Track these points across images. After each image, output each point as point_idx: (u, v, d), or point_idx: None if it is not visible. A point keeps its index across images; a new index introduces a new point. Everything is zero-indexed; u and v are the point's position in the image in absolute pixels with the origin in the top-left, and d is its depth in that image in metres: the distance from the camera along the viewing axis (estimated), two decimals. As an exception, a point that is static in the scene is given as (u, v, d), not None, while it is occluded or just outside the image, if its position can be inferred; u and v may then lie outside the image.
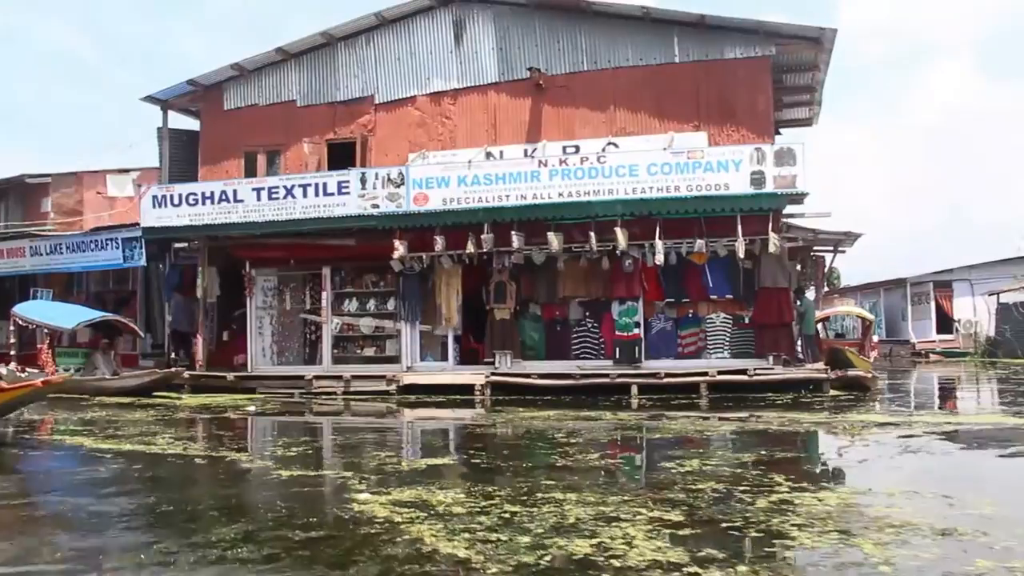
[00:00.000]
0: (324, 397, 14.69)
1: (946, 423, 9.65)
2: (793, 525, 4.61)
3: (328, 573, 3.99)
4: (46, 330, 15.39)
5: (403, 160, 16.22)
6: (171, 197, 16.09)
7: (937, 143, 74.15)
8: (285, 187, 15.49)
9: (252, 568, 4.04)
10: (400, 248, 14.65)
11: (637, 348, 14.57)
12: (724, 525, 4.69)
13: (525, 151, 15.80)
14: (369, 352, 16.03)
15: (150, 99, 18.31)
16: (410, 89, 17.10)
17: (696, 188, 13.99)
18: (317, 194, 15.31)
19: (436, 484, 6.12)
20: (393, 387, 14.72)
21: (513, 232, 14.31)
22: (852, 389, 14.18)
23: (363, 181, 15.18)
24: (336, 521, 5.06)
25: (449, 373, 14.93)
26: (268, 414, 12.52)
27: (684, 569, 3.83)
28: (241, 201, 15.66)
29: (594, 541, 4.32)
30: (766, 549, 4.20)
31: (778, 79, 16.37)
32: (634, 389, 13.81)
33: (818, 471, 7.01)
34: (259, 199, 15.56)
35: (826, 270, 19.08)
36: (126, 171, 23.68)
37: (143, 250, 16.72)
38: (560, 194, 14.34)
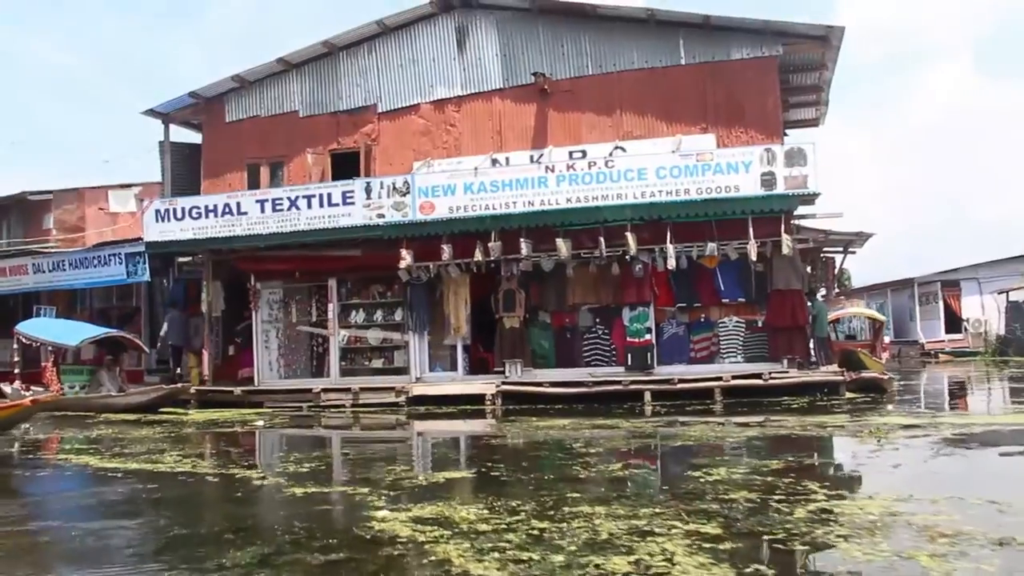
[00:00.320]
0: (333, 410, 14.46)
1: (974, 424, 9.41)
2: (839, 536, 4.39)
3: (353, 600, 3.77)
4: (50, 348, 15.23)
5: (408, 169, 16.04)
6: (174, 211, 15.92)
7: (935, 142, 74.07)
8: (289, 198, 15.31)
9: (272, 595, 3.81)
10: (407, 258, 14.46)
11: (649, 354, 14.36)
12: (766, 538, 4.46)
13: (531, 157, 15.63)
14: (377, 363, 15.83)
15: (151, 113, 18.15)
16: (413, 97, 16.92)
17: (706, 191, 13.79)
18: (322, 205, 15.12)
19: (457, 499, 5.90)
20: (402, 399, 14.49)
21: (521, 239, 14.12)
22: (868, 391, 13.95)
23: (368, 191, 14.99)
24: (357, 541, 4.81)
25: (459, 383, 14.71)
26: (277, 428, 12.30)
27: (732, 587, 3.61)
28: (245, 213, 15.48)
29: (632, 558, 4.09)
30: (818, 564, 3.97)
31: (784, 79, 16.18)
32: (647, 396, 13.58)
33: (852, 477, 6.77)
34: (263, 211, 15.39)
35: (836, 271, 18.85)
36: (128, 186, 23.55)
37: (146, 265, 16.56)
38: (568, 200, 14.15)
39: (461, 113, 16.62)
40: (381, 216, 14.83)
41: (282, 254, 15.75)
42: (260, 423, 12.70)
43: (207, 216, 15.70)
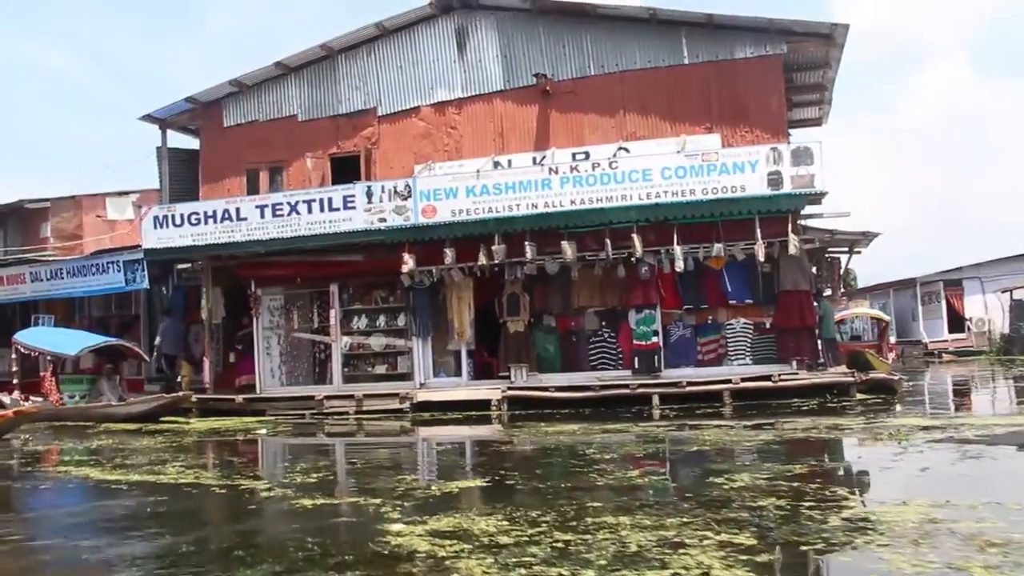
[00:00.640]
0: (336, 417, 14.24)
1: (995, 425, 9.21)
2: (880, 546, 4.19)
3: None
4: (49, 357, 14.99)
5: (408, 173, 15.84)
6: (172, 217, 15.70)
7: (934, 143, 74.04)
8: (289, 203, 15.11)
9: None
10: (409, 262, 14.27)
11: (656, 357, 14.17)
12: (804, 548, 4.26)
13: (534, 159, 15.46)
14: (380, 369, 15.61)
15: (148, 118, 17.93)
16: (413, 100, 16.73)
17: (712, 191, 13.65)
18: (322, 209, 14.92)
19: (473, 510, 5.69)
20: (406, 405, 14.28)
21: (526, 242, 13.94)
22: (878, 392, 13.78)
23: (369, 195, 14.80)
24: (374, 558, 4.58)
25: (464, 389, 14.50)
26: (280, 437, 12.07)
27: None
28: (244, 219, 15.27)
29: (666, 573, 3.88)
30: (864, 577, 3.77)
31: (788, 78, 16.01)
32: (655, 399, 13.40)
33: (881, 482, 6.55)
34: (263, 216, 15.17)
35: (842, 271, 18.68)
36: (125, 193, 23.28)
37: (145, 272, 16.34)
38: (572, 202, 13.99)
39: (462, 115, 16.44)
40: (383, 220, 14.64)
41: (283, 260, 15.53)
42: (263, 431, 12.48)
43: (206, 222, 15.48)
